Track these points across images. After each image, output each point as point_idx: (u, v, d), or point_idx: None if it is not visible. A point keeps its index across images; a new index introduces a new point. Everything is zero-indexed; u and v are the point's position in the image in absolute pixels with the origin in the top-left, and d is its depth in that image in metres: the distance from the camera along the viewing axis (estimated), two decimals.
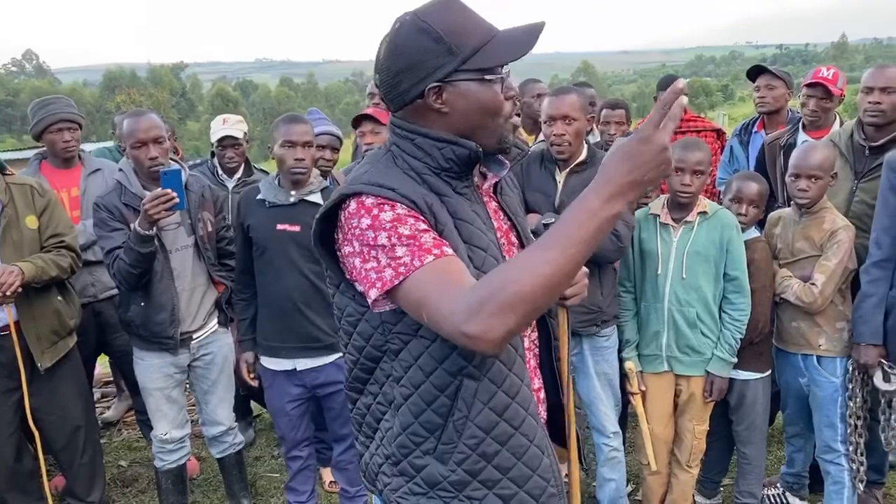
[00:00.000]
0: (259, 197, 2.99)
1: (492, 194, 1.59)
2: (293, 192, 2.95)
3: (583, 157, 2.97)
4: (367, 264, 1.34)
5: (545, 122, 2.94)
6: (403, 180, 1.41)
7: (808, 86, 3.69)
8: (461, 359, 1.41)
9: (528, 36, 1.40)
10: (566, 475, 1.87)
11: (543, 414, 1.65)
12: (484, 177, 1.59)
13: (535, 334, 1.65)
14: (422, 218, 1.35)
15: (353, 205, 1.37)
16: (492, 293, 1.17)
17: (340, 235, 1.41)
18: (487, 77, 1.41)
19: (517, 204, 1.66)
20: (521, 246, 1.58)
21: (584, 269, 1.55)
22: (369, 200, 1.35)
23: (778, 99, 4.12)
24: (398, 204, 1.34)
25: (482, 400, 1.44)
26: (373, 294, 1.34)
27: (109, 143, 5.59)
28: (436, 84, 1.39)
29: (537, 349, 1.64)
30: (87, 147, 4.41)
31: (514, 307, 1.16)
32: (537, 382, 1.62)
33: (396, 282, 1.30)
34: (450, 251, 1.32)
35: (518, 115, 4.52)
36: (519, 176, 3.06)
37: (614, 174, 1.17)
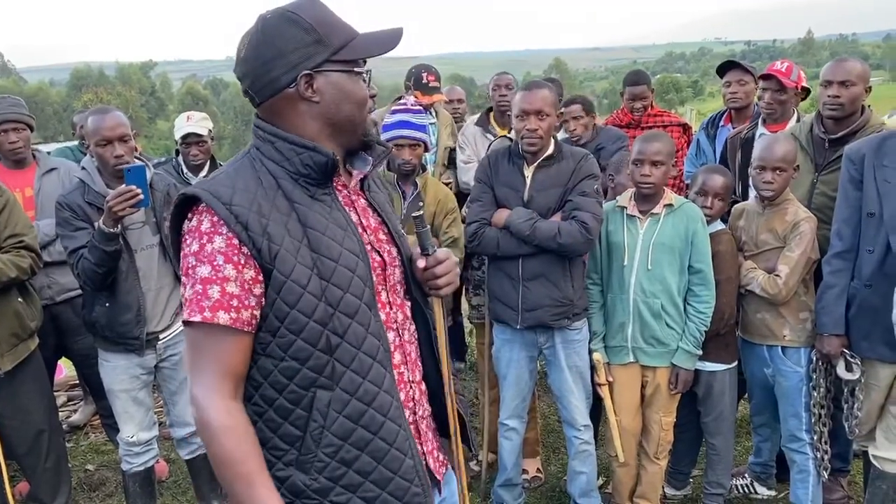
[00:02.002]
0: None
1: (360, 191, 1.61)
2: None
3: (550, 151, 2.98)
4: (184, 290, 1.43)
5: (517, 117, 2.94)
6: (249, 189, 1.41)
7: (762, 78, 3.75)
8: (312, 372, 1.44)
9: (391, 36, 1.51)
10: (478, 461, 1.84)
11: (427, 405, 1.68)
12: (350, 175, 1.61)
13: (414, 326, 1.66)
14: (240, 252, 1.38)
15: (194, 221, 1.41)
16: (214, 424, 1.37)
17: (182, 243, 1.46)
18: (356, 70, 1.48)
19: (385, 201, 1.69)
20: (392, 241, 1.61)
21: (454, 257, 1.62)
22: (205, 222, 1.39)
23: (749, 94, 4.18)
24: (221, 233, 1.38)
25: (336, 409, 1.46)
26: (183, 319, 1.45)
27: (75, 143, 5.50)
28: (307, 72, 1.43)
29: (417, 341, 1.66)
30: (51, 147, 4.32)
31: (201, 434, 1.40)
32: (418, 374, 1.65)
33: (185, 319, 1.41)
34: (223, 318, 1.37)
35: (491, 109, 4.54)
36: (487, 171, 3.07)
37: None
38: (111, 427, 3.73)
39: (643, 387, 3.16)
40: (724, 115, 4.34)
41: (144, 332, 3.05)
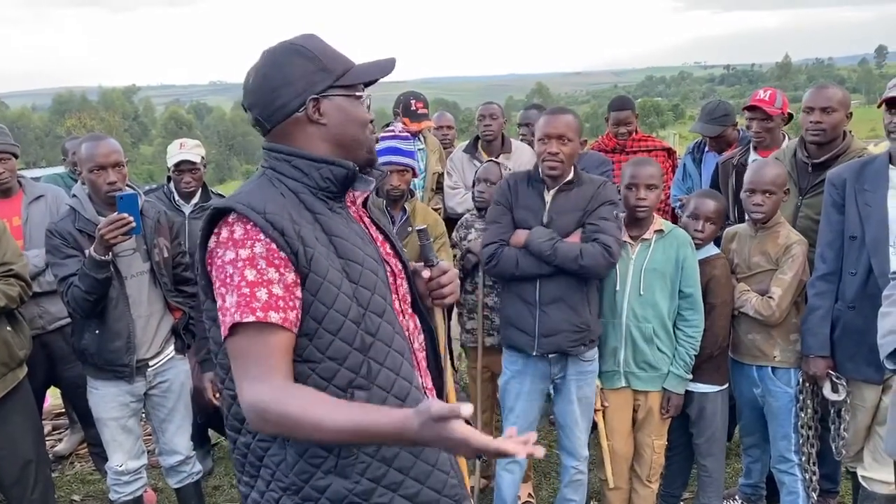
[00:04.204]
0: None
1: (363, 209, 1.70)
2: None
3: (570, 176, 2.98)
4: (223, 299, 1.45)
5: (540, 140, 2.94)
6: (277, 201, 1.49)
7: (747, 109, 3.83)
8: (350, 372, 1.48)
9: (386, 63, 1.62)
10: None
11: None
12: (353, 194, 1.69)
13: (423, 336, 1.72)
14: (280, 256, 1.42)
15: (224, 233, 1.46)
16: (277, 408, 1.34)
17: (210, 258, 1.49)
18: (356, 94, 1.59)
19: (381, 219, 1.76)
20: (397, 255, 1.68)
21: (454, 269, 1.68)
22: (238, 230, 1.44)
23: (727, 136, 4.33)
24: (259, 240, 1.43)
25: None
26: (223, 334, 1.45)
27: (60, 169, 5.48)
28: (314, 96, 1.54)
29: (425, 351, 1.72)
30: (37, 173, 4.30)
31: (279, 427, 1.36)
32: (429, 382, 1.70)
33: (226, 333, 1.43)
34: (274, 318, 1.39)
35: (479, 137, 4.59)
36: (507, 194, 3.06)
37: (414, 434, 1.25)
38: (99, 456, 3.68)
39: (634, 411, 3.18)
40: (709, 147, 4.43)
41: (134, 360, 3.03)
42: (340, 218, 1.57)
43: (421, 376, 1.66)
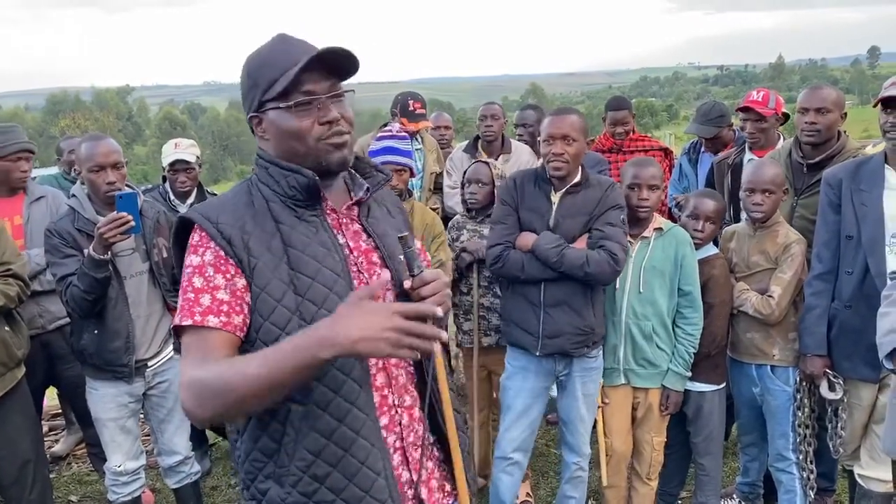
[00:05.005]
0: None
1: (355, 217, 1.64)
2: None
3: (577, 178, 2.96)
4: (179, 297, 1.50)
5: (545, 141, 2.93)
6: (236, 210, 1.52)
7: (740, 110, 3.85)
8: None
9: (307, 59, 1.47)
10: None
11: (422, 433, 1.63)
12: (351, 198, 1.65)
13: None
14: (228, 263, 1.47)
15: (194, 235, 1.52)
16: (203, 378, 1.36)
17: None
18: (282, 105, 1.50)
19: (389, 226, 1.69)
20: (384, 266, 1.62)
21: (444, 277, 1.55)
22: (195, 237, 1.51)
23: (722, 137, 4.35)
24: (210, 247, 1.48)
25: (308, 424, 1.49)
26: (172, 325, 1.51)
27: (54, 170, 5.47)
28: (253, 115, 1.55)
29: (410, 366, 1.64)
30: (31, 173, 4.32)
31: (213, 400, 1.35)
32: (408, 399, 1.62)
33: (177, 324, 1.46)
34: (213, 321, 1.43)
35: (479, 137, 4.61)
36: (513, 193, 3.05)
37: (327, 329, 1.29)
38: (97, 457, 3.68)
39: (634, 408, 3.19)
40: (704, 147, 4.45)
41: (133, 360, 3.04)
42: (307, 227, 1.54)
43: (394, 392, 1.59)
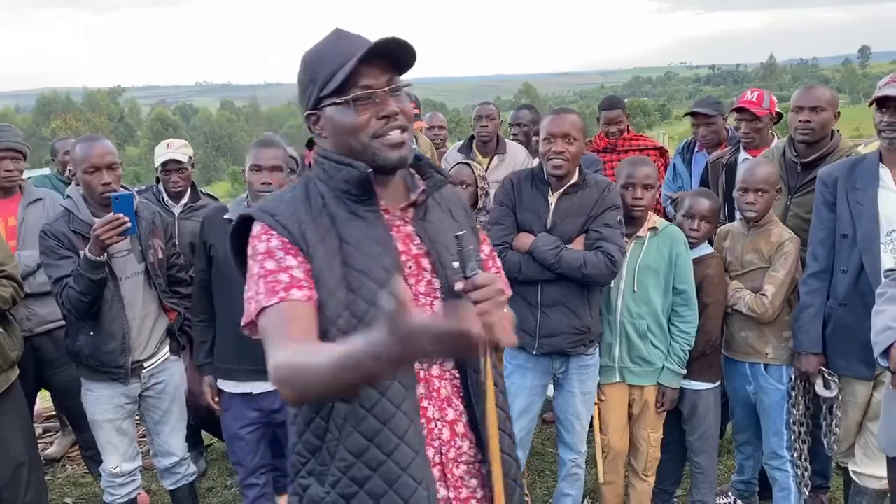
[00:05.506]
0: (226, 216, 2.98)
1: (408, 219, 1.60)
2: None
3: (575, 179, 2.96)
4: (248, 292, 1.48)
5: (544, 140, 2.92)
6: (294, 207, 1.53)
7: (735, 110, 3.86)
8: None
9: (367, 49, 1.45)
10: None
11: (465, 449, 1.59)
12: (409, 198, 1.63)
13: (451, 363, 1.58)
14: (294, 248, 1.47)
15: (256, 228, 1.52)
16: (286, 362, 1.30)
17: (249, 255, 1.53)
18: (338, 100, 1.49)
19: (450, 228, 1.62)
20: (434, 272, 1.57)
21: (499, 283, 1.41)
22: (256, 228, 1.51)
23: (718, 130, 4.34)
24: (274, 235, 1.48)
25: (352, 423, 1.47)
26: (244, 321, 1.48)
27: (46, 171, 5.45)
28: (310, 112, 1.54)
29: (457, 379, 1.58)
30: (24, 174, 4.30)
31: (294, 384, 1.29)
32: (451, 413, 1.57)
33: (254, 316, 1.44)
34: (297, 295, 1.42)
35: (474, 137, 4.60)
36: (510, 194, 3.04)
37: (415, 349, 1.12)
38: (91, 459, 3.66)
39: (630, 405, 3.20)
40: (699, 142, 4.46)
41: (129, 361, 3.02)
42: (362, 223, 1.53)
43: (433, 405, 1.54)
